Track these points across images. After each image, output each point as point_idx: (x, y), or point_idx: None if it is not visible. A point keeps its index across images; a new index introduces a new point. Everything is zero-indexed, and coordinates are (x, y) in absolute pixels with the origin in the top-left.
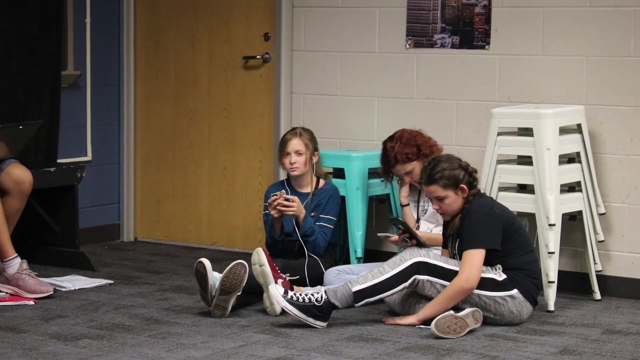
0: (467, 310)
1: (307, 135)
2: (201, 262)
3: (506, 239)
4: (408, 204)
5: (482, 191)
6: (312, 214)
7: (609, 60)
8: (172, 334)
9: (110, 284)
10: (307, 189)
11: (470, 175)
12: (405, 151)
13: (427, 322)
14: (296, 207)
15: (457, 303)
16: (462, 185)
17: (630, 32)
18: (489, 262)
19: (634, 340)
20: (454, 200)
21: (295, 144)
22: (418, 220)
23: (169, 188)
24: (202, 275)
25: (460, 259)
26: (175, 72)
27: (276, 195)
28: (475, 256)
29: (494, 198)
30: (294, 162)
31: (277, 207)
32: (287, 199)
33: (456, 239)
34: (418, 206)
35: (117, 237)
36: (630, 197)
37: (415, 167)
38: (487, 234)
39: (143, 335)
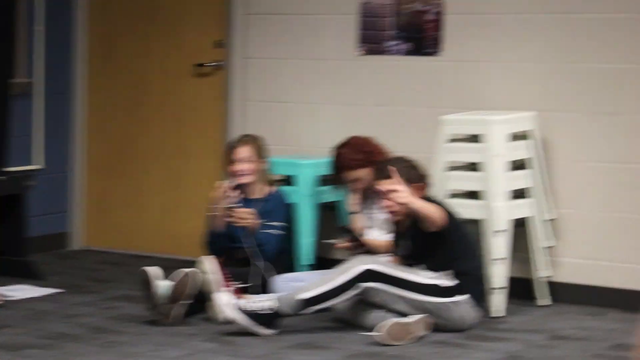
0: (415, 317)
1: (255, 143)
2: (144, 271)
3: (455, 243)
4: (358, 212)
5: (432, 195)
6: (262, 220)
7: (559, 67)
8: (119, 342)
9: (58, 293)
10: (256, 196)
11: (424, 177)
12: (355, 157)
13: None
14: (251, 220)
15: (430, 221)
16: (417, 185)
17: (581, 39)
18: (438, 267)
19: (581, 346)
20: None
21: (243, 151)
22: (367, 228)
23: (120, 196)
24: (146, 284)
25: (412, 260)
26: (128, 81)
27: (224, 186)
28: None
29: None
30: (242, 170)
31: (233, 218)
32: (244, 212)
33: (406, 239)
34: (367, 214)
35: (67, 246)
36: (579, 203)
37: (365, 174)
38: (442, 204)
39: (90, 344)
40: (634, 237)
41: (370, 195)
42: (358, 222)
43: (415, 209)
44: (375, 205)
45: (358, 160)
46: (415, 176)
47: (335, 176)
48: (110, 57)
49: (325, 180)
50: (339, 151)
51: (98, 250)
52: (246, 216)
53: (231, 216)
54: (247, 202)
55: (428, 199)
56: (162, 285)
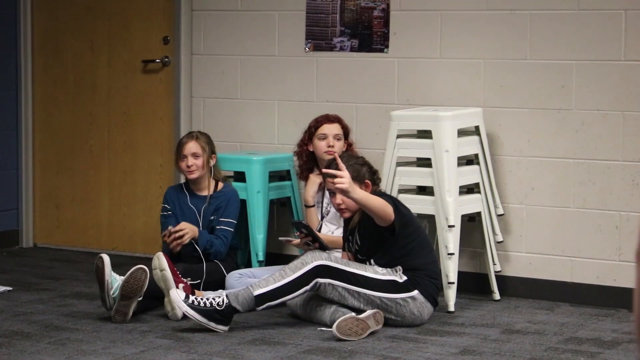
0: (369, 312)
1: (203, 139)
2: (101, 258)
3: (407, 238)
4: (314, 205)
5: (383, 191)
6: (212, 217)
7: (505, 63)
8: (72, 340)
9: (9, 290)
10: (205, 192)
11: (374, 174)
12: (339, 117)
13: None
14: (189, 232)
15: (377, 214)
16: (367, 181)
17: (526, 35)
18: (388, 262)
19: (533, 339)
20: None
21: (192, 146)
22: (321, 222)
23: (69, 193)
24: (100, 271)
25: (360, 253)
26: (74, 76)
27: (165, 234)
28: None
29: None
30: (191, 165)
31: (173, 244)
32: (176, 231)
33: (356, 233)
34: (321, 207)
35: (16, 243)
36: (528, 198)
37: (341, 140)
38: (390, 202)
39: (43, 342)
40: (582, 231)
41: (324, 190)
42: (313, 216)
43: (356, 198)
44: (327, 199)
45: (347, 127)
46: (364, 173)
47: (308, 135)
48: (56, 52)
49: (275, 177)
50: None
51: (48, 248)
52: (181, 233)
53: (170, 242)
54: (196, 198)
55: (378, 194)
56: (112, 277)
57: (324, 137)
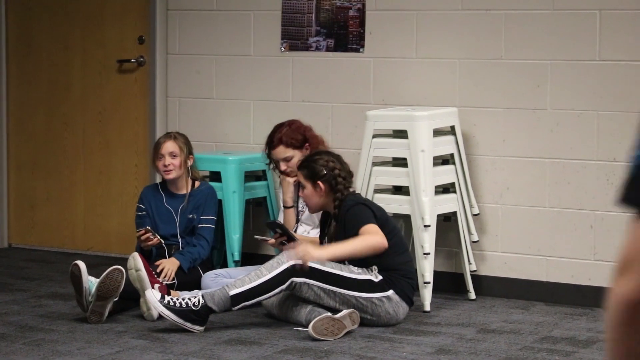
0: (344, 312)
1: (181, 139)
2: (76, 265)
3: None
4: (293, 206)
5: (357, 191)
6: (191, 215)
7: (480, 63)
8: (47, 340)
9: None
10: (183, 191)
11: (334, 178)
12: (291, 136)
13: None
14: (168, 267)
15: (366, 255)
16: (319, 182)
17: (501, 35)
18: (364, 263)
19: (508, 338)
20: (310, 193)
21: (169, 146)
22: (297, 222)
23: (44, 193)
24: (76, 278)
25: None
26: (48, 76)
27: (141, 232)
28: (372, 227)
29: (370, 199)
30: (168, 165)
31: (143, 244)
32: (147, 238)
33: (332, 235)
34: (296, 208)
35: None
36: (503, 198)
37: (295, 156)
38: (369, 214)
39: (17, 342)
40: (557, 231)
41: (299, 190)
42: (291, 216)
43: (334, 257)
44: (302, 200)
45: (292, 139)
46: (318, 172)
47: (267, 151)
48: (30, 52)
49: (251, 177)
50: (279, 127)
51: (23, 248)
52: (152, 244)
53: (143, 240)
54: (174, 197)
55: (350, 197)
56: (89, 281)
57: (276, 162)
